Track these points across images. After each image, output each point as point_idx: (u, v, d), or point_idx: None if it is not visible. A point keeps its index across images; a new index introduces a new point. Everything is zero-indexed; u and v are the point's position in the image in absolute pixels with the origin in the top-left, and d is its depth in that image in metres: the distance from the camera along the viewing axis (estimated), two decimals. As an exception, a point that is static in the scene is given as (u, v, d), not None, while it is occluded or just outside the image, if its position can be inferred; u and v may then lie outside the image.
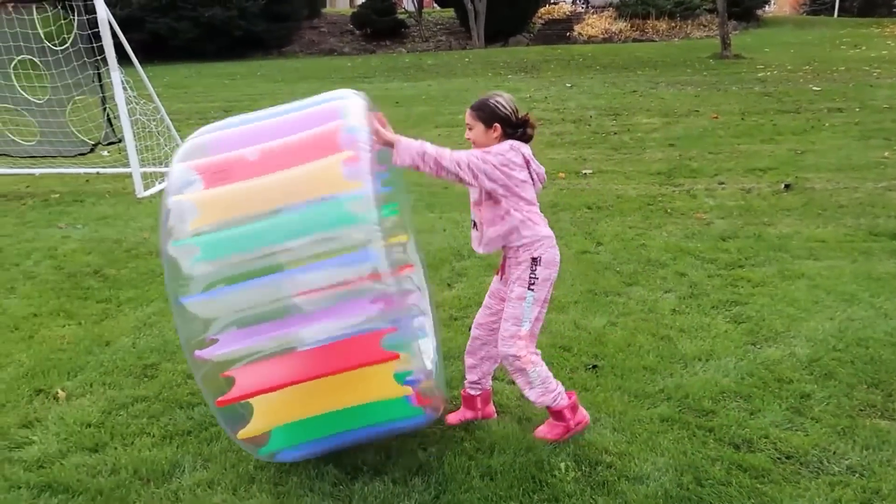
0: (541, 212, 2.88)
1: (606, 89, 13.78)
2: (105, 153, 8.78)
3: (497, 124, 2.75)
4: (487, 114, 2.76)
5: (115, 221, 6.51)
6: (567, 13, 28.67)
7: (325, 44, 25.54)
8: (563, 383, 2.93)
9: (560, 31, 25.81)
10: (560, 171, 8.02)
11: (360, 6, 27.45)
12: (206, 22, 22.09)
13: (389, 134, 2.62)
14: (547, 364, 2.88)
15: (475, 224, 2.86)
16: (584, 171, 8.03)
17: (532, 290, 2.77)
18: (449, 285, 4.82)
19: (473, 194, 2.85)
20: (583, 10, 29.01)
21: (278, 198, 2.31)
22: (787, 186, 6.91)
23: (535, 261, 2.78)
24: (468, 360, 3.03)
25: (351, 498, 2.58)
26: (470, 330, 3.06)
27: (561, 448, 2.82)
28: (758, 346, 3.69)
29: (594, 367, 3.52)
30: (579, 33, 25.16)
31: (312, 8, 26.73)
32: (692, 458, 2.75)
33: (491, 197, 2.75)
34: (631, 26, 24.59)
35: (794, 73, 14.84)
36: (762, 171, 7.56)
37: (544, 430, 2.89)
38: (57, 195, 7.71)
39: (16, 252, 5.69)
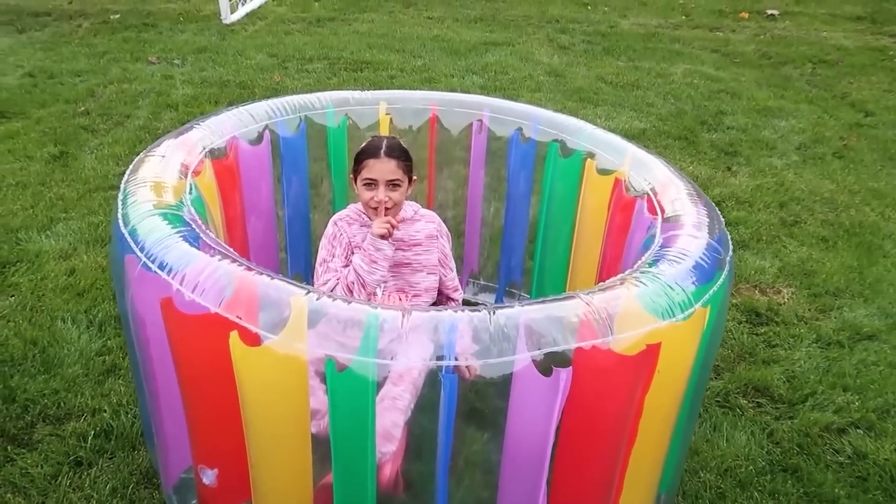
0: None
1: None
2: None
3: None
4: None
5: (220, 57, 5.07)
6: None
7: None
8: None
9: None
10: (740, 11, 6.55)
11: None
12: None
13: None
14: None
15: None
16: (769, 12, 6.56)
17: None
18: None
19: None
20: None
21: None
22: None
23: None
24: None
25: None
26: None
27: None
28: None
29: None
30: None
31: None
32: None
33: None
34: None
35: None
36: None
37: None
38: (117, 15, 6.13)
39: (113, 96, 4.27)
